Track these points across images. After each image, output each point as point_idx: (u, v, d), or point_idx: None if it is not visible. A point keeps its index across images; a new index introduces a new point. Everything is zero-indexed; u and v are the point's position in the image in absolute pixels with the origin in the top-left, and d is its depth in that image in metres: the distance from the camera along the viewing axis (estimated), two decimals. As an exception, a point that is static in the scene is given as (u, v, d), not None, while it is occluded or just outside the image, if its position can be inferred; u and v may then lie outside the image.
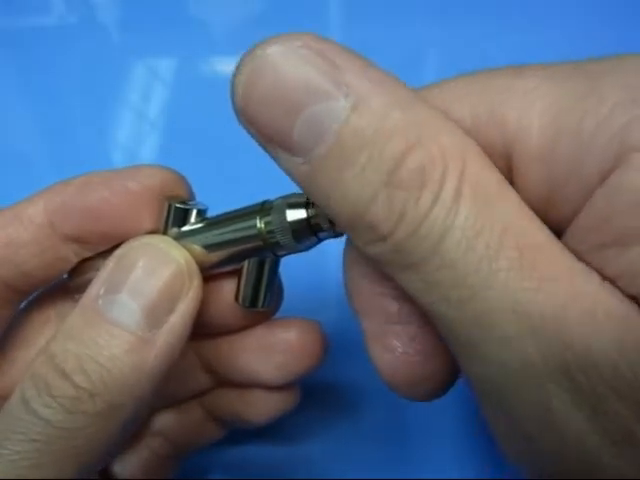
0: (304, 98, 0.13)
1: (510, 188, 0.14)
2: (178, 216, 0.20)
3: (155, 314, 0.17)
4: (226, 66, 0.43)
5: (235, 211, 0.20)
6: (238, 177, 0.37)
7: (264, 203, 0.19)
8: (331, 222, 0.17)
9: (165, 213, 0.20)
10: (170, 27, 0.45)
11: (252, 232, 0.19)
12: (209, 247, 0.19)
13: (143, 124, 0.41)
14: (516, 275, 0.13)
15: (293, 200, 0.18)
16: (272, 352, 0.23)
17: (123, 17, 0.46)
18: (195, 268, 0.19)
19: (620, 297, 0.13)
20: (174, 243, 0.19)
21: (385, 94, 0.14)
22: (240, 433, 0.29)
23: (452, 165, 0.13)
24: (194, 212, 0.20)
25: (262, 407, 0.25)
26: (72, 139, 0.40)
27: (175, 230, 0.20)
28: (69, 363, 0.16)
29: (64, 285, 0.22)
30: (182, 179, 0.21)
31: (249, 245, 0.19)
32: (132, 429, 0.18)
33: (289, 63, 0.14)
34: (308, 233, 0.18)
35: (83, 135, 0.40)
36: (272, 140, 0.14)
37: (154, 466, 0.27)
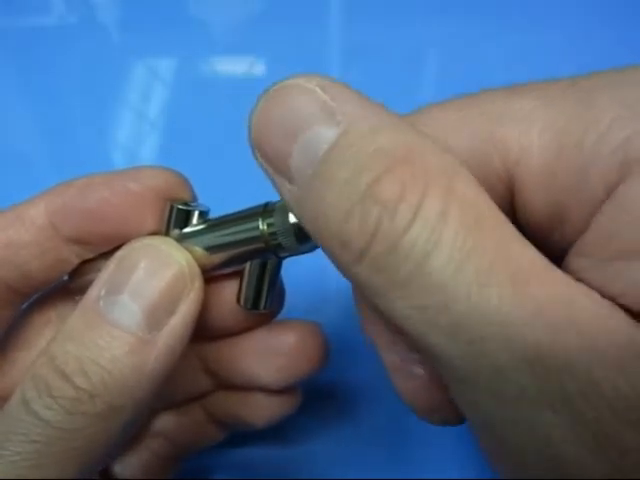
0: (300, 125, 0.14)
1: (500, 211, 0.13)
2: (180, 217, 0.20)
3: (156, 316, 0.17)
4: (226, 66, 0.43)
5: (237, 213, 0.20)
6: (238, 177, 0.37)
7: (267, 205, 0.19)
8: None
9: (167, 214, 0.20)
10: (170, 27, 0.45)
11: (254, 234, 0.19)
12: (211, 249, 0.19)
13: (143, 124, 0.41)
14: (509, 302, 0.12)
15: None
16: (273, 355, 0.23)
17: (123, 17, 0.46)
18: (197, 270, 0.19)
19: (621, 316, 0.13)
20: (175, 244, 0.19)
21: (371, 118, 0.14)
22: (240, 434, 0.29)
23: (436, 183, 0.13)
24: (196, 214, 0.20)
25: (262, 410, 0.25)
26: (72, 139, 0.40)
27: (177, 232, 0.20)
28: (69, 364, 0.16)
29: (65, 286, 0.22)
30: (184, 180, 0.21)
31: (251, 247, 0.19)
32: (133, 430, 0.18)
33: (291, 94, 0.15)
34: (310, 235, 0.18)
35: (83, 135, 0.40)
36: (276, 169, 0.15)
37: (154, 467, 0.27)
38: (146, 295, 0.17)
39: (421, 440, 0.31)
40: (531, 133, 0.14)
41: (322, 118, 0.14)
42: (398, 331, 0.14)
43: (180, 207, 0.20)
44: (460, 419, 0.18)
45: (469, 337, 0.12)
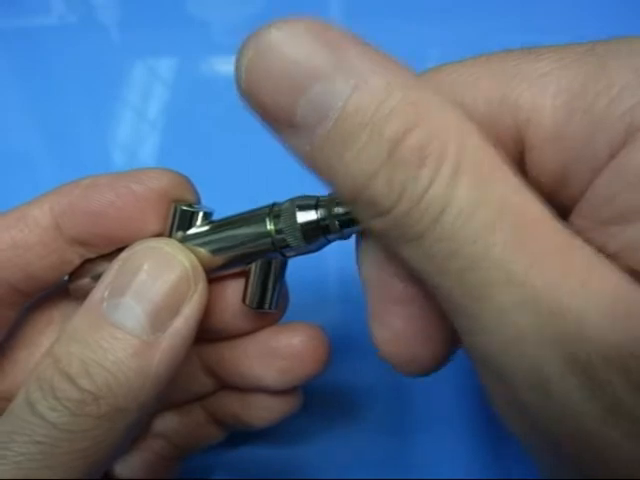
0: (307, 78, 0.14)
1: (508, 166, 0.14)
2: (184, 219, 0.20)
3: (160, 318, 0.17)
4: (226, 66, 0.43)
5: (242, 214, 0.20)
6: (238, 177, 0.37)
7: (273, 205, 0.19)
8: (340, 224, 0.18)
9: (171, 216, 0.20)
10: (170, 27, 0.45)
11: (262, 234, 0.19)
12: (216, 250, 0.19)
13: (143, 124, 0.41)
14: (511, 249, 0.13)
15: (303, 202, 0.18)
16: (275, 357, 0.23)
17: (123, 17, 0.46)
18: (200, 271, 0.19)
19: (613, 268, 0.13)
20: (179, 246, 0.19)
21: (386, 75, 0.14)
22: (240, 434, 0.29)
23: (451, 143, 0.13)
24: (200, 215, 0.20)
25: (264, 411, 0.25)
26: (72, 139, 0.40)
27: (180, 233, 0.20)
28: (74, 366, 0.16)
29: (67, 286, 0.22)
30: (187, 181, 0.21)
31: (258, 247, 0.19)
32: (136, 431, 0.18)
33: (292, 45, 0.14)
34: (318, 234, 0.18)
35: (83, 135, 0.40)
36: (276, 120, 0.15)
37: (154, 467, 0.27)
38: (150, 297, 0.17)
39: (421, 440, 0.31)
40: (544, 95, 0.15)
41: (331, 70, 0.14)
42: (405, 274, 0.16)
43: (184, 208, 0.20)
44: (433, 370, 0.19)
45: (475, 281, 0.13)
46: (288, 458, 0.31)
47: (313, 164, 0.15)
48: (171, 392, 0.26)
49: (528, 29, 0.44)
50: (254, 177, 0.37)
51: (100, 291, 0.18)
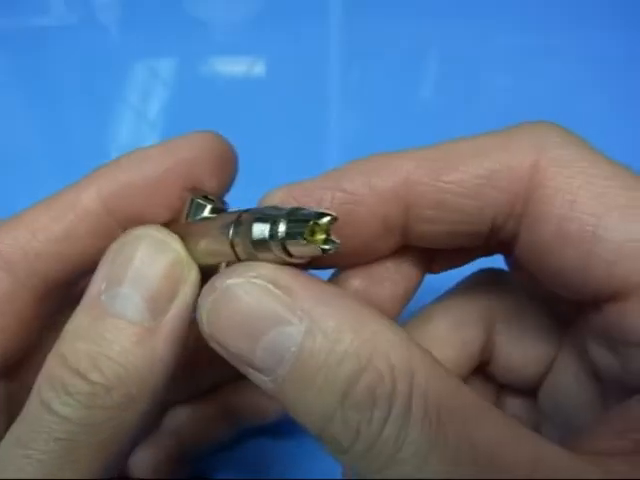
0: (262, 325, 0.15)
1: (461, 387, 0.15)
2: (197, 210, 0.19)
3: (158, 303, 0.17)
4: (226, 66, 0.43)
5: (220, 216, 0.19)
6: (237, 176, 0.37)
7: (240, 215, 0.17)
8: (286, 250, 0.16)
9: (187, 206, 0.19)
10: (170, 27, 0.45)
11: (224, 239, 0.17)
12: (198, 244, 0.19)
13: (143, 124, 0.41)
14: None
15: (264, 214, 0.16)
16: None
17: (123, 17, 0.46)
18: (188, 254, 0.18)
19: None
20: (170, 233, 0.18)
21: (337, 316, 0.15)
22: (241, 434, 0.29)
23: (400, 381, 0.14)
24: (208, 208, 0.19)
25: None
26: (72, 139, 0.40)
27: (183, 222, 0.19)
28: (82, 362, 0.16)
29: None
30: (228, 145, 0.20)
31: (221, 250, 0.18)
32: (151, 419, 0.18)
33: (246, 293, 0.15)
34: (269, 251, 0.16)
35: (83, 135, 0.40)
36: (239, 362, 0.16)
37: (163, 466, 0.27)
38: (146, 284, 0.17)
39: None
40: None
41: (281, 317, 0.15)
42: None
43: (197, 200, 0.19)
44: None
45: None
46: (288, 458, 0.31)
47: (277, 398, 0.15)
48: (187, 383, 0.26)
49: (528, 29, 0.44)
50: (254, 177, 0.37)
51: (97, 284, 0.17)
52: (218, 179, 0.20)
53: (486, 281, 0.22)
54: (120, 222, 0.19)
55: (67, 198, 0.19)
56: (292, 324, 0.15)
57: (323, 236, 0.15)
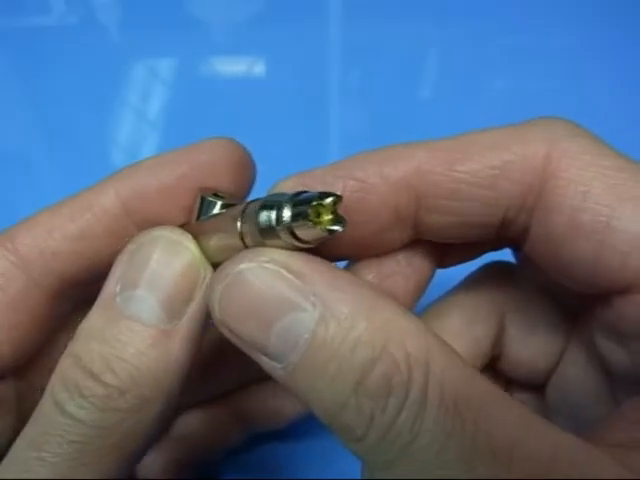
0: (275, 311, 0.15)
1: (477, 376, 0.15)
2: (206, 208, 0.19)
3: (174, 305, 0.17)
4: (226, 66, 0.43)
5: (228, 210, 0.19)
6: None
7: (246, 207, 0.17)
8: (294, 235, 0.15)
9: (198, 204, 0.19)
10: (170, 27, 0.45)
11: (234, 231, 0.17)
12: (210, 241, 0.19)
13: (143, 124, 0.41)
14: (496, 476, 0.13)
15: (268, 201, 0.16)
16: None
17: (123, 17, 0.46)
18: (203, 256, 0.18)
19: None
20: (185, 233, 0.18)
21: (351, 303, 0.14)
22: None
23: (416, 370, 0.14)
24: (218, 205, 0.19)
25: (292, 399, 0.25)
26: (72, 139, 0.40)
27: (194, 221, 0.19)
28: (96, 363, 0.16)
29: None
30: (245, 151, 0.20)
31: (233, 244, 0.18)
32: (165, 421, 0.18)
33: (258, 278, 0.15)
34: (277, 237, 0.16)
35: (83, 135, 0.40)
36: (251, 349, 0.15)
37: (172, 471, 0.26)
38: (162, 286, 0.17)
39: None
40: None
41: (295, 302, 0.14)
42: None
43: (209, 198, 0.19)
44: None
45: None
46: (288, 457, 0.31)
47: (288, 386, 0.15)
48: (202, 387, 0.25)
49: (528, 29, 0.44)
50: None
51: (111, 285, 0.17)
52: (235, 184, 0.20)
53: (495, 275, 0.22)
54: (137, 224, 0.19)
55: (85, 198, 0.19)
56: (305, 310, 0.14)
57: (329, 216, 0.15)
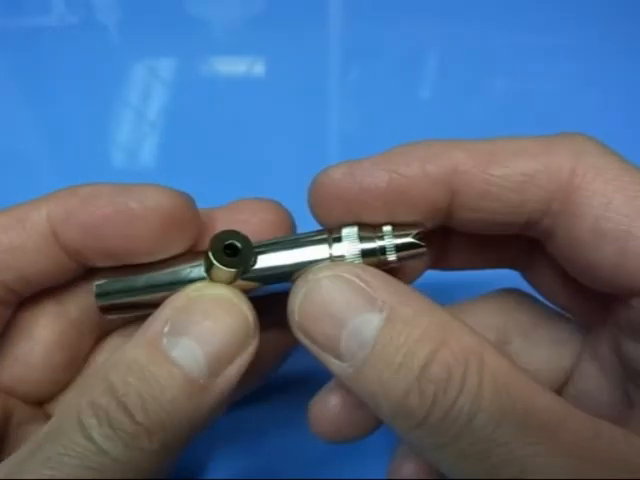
0: (347, 314, 0.17)
1: (522, 372, 0.17)
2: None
3: (218, 364, 0.18)
4: (226, 66, 0.43)
5: (294, 239, 0.19)
6: (237, 176, 0.37)
7: (325, 231, 0.19)
8: (397, 249, 0.19)
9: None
10: (170, 27, 0.45)
11: (320, 257, 0.19)
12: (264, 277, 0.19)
13: (143, 124, 0.41)
14: (545, 449, 0.15)
15: (364, 233, 0.19)
16: None
17: (123, 17, 0.46)
18: (257, 324, 0.19)
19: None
20: (244, 298, 0.19)
21: (414, 306, 0.17)
22: (243, 430, 0.29)
23: (472, 361, 0.16)
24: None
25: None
26: (72, 139, 0.40)
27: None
28: (131, 398, 0.16)
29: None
30: (189, 202, 0.20)
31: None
32: (175, 460, 0.18)
33: (333, 286, 0.17)
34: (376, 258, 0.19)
35: (83, 135, 0.40)
36: (324, 350, 0.17)
37: None
38: (212, 343, 0.17)
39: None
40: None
41: (365, 306, 0.17)
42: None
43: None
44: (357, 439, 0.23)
45: (512, 478, 0.15)
46: (288, 457, 0.31)
47: (355, 384, 0.17)
48: None
49: (528, 29, 0.44)
50: (254, 176, 0.37)
51: (160, 324, 0.18)
52: (164, 233, 0.20)
53: (501, 296, 0.24)
54: (64, 247, 0.20)
55: (19, 212, 0.20)
56: (374, 312, 0.17)
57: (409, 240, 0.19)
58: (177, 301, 0.18)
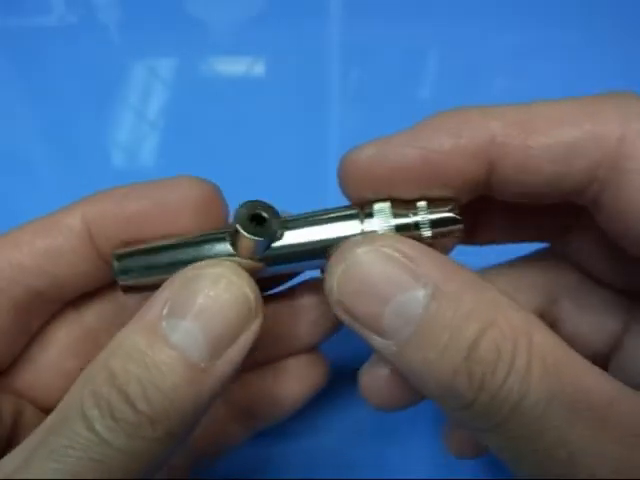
0: (390, 290, 0.16)
1: (571, 350, 0.16)
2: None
3: (218, 346, 0.17)
4: (226, 66, 0.43)
5: (322, 215, 0.19)
6: (238, 176, 0.37)
7: (356, 206, 0.19)
8: (432, 225, 0.18)
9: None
10: (170, 27, 0.45)
11: (352, 233, 0.18)
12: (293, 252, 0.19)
13: (143, 124, 0.41)
14: (594, 433, 0.15)
15: (398, 209, 0.18)
16: (305, 311, 0.24)
17: (123, 17, 0.46)
18: (261, 303, 0.18)
19: None
20: (246, 275, 0.18)
21: (459, 282, 0.16)
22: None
23: (521, 341, 0.15)
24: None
25: (295, 381, 0.25)
26: (72, 139, 0.40)
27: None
28: (132, 387, 0.16)
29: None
30: (217, 190, 0.21)
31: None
32: (180, 450, 0.18)
33: (374, 261, 0.16)
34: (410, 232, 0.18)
35: (83, 135, 0.40)
36: (366, 327, 0.17)
37: (170, 473, 0.26)
38: (212, 325, 0.17)
39: (422, 439, 0.31)
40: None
41: (409, 281, 0.16)
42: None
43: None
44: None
45: (560, 462, 0.15)
46: (289, 457, 0.31)
47: (399, 362, 0.17)
48: None
49: (528, 29, 0.44)
50: (253, 176, 0.37)
51: (158, 307, 0.17)
52: (199, 224, 0.20)
53: (544, 257, 0.23)
54: (100, 248, 0.20)
55: (53, 217, 0.20)
56: (418, 289, 0.16)
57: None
58: (175, 281, 0.17)
